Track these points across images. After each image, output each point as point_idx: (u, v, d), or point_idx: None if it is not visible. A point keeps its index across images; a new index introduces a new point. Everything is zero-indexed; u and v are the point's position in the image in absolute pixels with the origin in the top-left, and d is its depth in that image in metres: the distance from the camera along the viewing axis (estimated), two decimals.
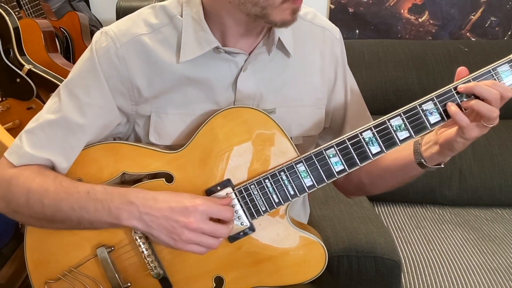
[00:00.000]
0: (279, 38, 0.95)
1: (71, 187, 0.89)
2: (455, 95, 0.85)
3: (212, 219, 0.88)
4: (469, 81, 0.84)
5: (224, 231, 0.88)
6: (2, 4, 1.98)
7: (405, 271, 1.41)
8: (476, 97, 0.84)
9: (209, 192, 0.92)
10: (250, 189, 0.92)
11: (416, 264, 1.45)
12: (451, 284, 1.36)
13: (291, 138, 0.94)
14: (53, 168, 0.93)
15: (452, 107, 0.84)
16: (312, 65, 1.02)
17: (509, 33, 2.31)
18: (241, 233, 0.93)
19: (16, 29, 1.91)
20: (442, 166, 0.94)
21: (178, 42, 0.94)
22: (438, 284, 1.36)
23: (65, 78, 0.97)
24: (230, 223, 0.90)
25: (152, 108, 0.96)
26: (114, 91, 0.93)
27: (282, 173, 0.91)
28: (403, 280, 1.37)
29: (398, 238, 1.59)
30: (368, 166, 1.02)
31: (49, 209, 0.89)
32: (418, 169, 0.95)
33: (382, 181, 1.06)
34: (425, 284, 1.37)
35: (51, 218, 0.91)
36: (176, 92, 0.95)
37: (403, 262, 1.44)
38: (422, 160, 0.93)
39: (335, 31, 1.07)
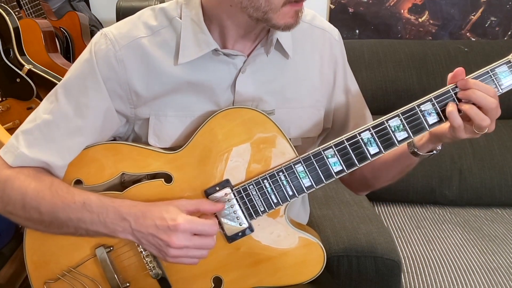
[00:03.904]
0: (277, 39, 0.95)
1: (67, 196, 0.89)
2: (453, 95, 0.85)
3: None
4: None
5: (210, 243, 0.88)
6: (2, 4, 1.97)
7: (405, 271, 1.41)
8: None
9: (208, 192, 0.92)
10: (248, 190, 0.92)
11: (416, 264, 1.45)
12: (451, 284, 1.36)
13: (289, 139, 0.94)
14: (49, 169, 0.93)
15: (449, 106, 0.85)
16: (311, 67, 1.02)
17: (509, 33, 2.31)
18: (240, 234, 0.93)
19: (16, 29, 1.91)
20: (435, 152, 0.95)
21: (177, 44, 0.93)
22: (438, 284, 1.36)
23: None
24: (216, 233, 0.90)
25: (151, 111, 0.96)
26: (112, 93, 0.93)
27: (280, 173, 0.91)
28: (403, 280, 1.37)
29: (398, 238, 1.59)
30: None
31: (46, 216, 0.90)
32: (412, 158, 0.96)
33: (382, 173, 1.07)
34: (425, 284, 1.36)
35: (49, 224, 0.91)
36: (175, 95, 0.95)
37: (403, 262, 1.44)
38: (415, 149, 0.94)
39: (334, 32, 1.07)
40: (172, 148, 0.96)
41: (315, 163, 0.90)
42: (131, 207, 0.88)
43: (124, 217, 0.87)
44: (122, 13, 1.94)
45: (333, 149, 0.90)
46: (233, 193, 0.92)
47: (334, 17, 2.34)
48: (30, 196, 0.89)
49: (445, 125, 0.88)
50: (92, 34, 2.50)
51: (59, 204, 0.89)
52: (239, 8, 0.86)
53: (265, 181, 0.92)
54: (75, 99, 0.92)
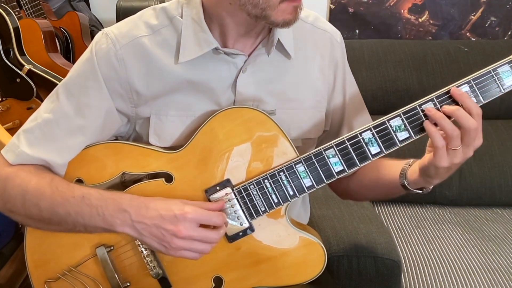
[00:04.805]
0: (278, 39, 0.95)
1: (67, 191, 0.89)
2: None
3: (203, 225, 0.88)
4: (469, 81, 0.84)
5: (215, 237, 0.88)
6: (2, 4, 1.98)
7: (405, 271, 1.41)
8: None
9: (209, 192, 0.92)
10: (249, 189, 0.92)
11: (416, 264, 1.45)
12: (451, 284, 1.36)
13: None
14: (49, 167, 0.93)
15: (428, 126, 0.85)
16: (313, 67, 1.02)
17: (509, 33, 2.31)
18: (240, 233, 0.93)
19: (16, 29, 1.91)
20: (422, 192, 0.96)
21: (177, 43, 0.93)
22: (438, 284, 1.36)
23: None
24: (222, 228, 0.90)
25: (152, 110, 0.96)
26: (113, 93, 0.93)
27: (281, 173, 0.91)
28: (403, 280, 1.37)
29: (398, 238, 1.59)
30: (359, 174, 1.04)
31: (46, 212, 0.90)
32: (401, 189, 0.96)
33: (366, 191, 1.08)
34: (425, 284, 1.36)
35: (48, 221, 0.91)
36: (176, 94, 0.95)
37: (403, 262, 1.44)
38: (405, 182, 0.94)
39: (336, 34, 1.07)
40: (173, 148, 0.96)
41: (316, 163, 0.90)
42: (132, 199, 0.88)
43: (124, 209, 0.87)
44: (122, 13, 1.94)
45: (334, 149, 0.89)
46: (234, 193, 0.92)
47: (334, 17, 2.34)
48: (30, 192, 0.89)
49: (426, 157, 0.88)
50: (92, 34, 2.50)
51: (59, 199, 0.89)
52: (238, 6, 0.86)
53: (266, 180, 0.92)
54: (76, 99, 0.93)
